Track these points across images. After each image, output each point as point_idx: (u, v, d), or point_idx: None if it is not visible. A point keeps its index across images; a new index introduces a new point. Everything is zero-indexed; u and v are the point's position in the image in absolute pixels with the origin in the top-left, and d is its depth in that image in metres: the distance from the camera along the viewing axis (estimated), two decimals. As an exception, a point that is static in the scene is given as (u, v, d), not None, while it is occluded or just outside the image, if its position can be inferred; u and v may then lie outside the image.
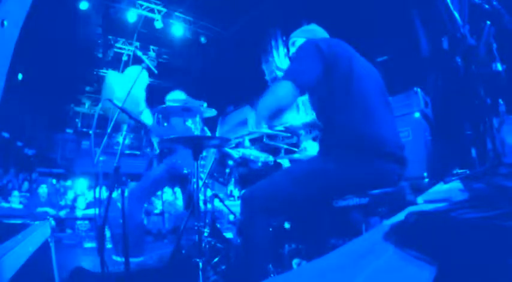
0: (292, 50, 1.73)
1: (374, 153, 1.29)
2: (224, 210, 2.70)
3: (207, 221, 2.43)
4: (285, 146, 2.47)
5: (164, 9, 7.52)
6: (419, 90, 3.55)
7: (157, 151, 2.94)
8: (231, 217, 2.53)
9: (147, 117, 2.74)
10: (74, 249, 4.00)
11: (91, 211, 5.54)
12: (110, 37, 8.13)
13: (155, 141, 2.91)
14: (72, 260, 2.95)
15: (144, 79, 2.64)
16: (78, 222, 5.54)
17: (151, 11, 7.49)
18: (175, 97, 2.95)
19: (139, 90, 2.68)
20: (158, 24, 7.57)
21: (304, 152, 2.08)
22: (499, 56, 1.41)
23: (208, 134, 2.90)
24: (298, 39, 1.71)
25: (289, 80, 1.33)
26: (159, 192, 3.65)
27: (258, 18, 7.13)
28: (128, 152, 10.34)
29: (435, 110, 3.72)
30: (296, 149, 2.35)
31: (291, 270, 1.43)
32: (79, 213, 5.71)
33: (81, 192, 7.38)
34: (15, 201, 5.57)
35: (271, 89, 1.36)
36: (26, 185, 7.02)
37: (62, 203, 6.39)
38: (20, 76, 7.74)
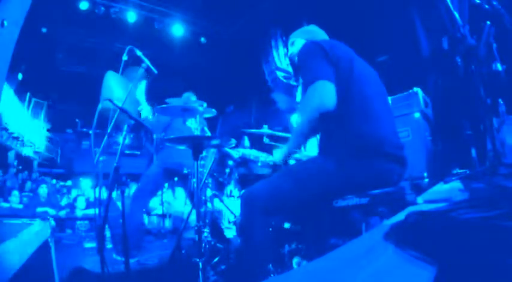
0: (292, 50, 1.72)
1: (374, 153, 1.29)
2: (224, 210, 2.70)
3: (207, 221, 2.42)
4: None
5: (164, 10, 7.52)
6: (419, 90, 3.54)
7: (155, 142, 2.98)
8: (231, 217, 2.53)
9: (147, 113, 2.78)
10: (74, 249, 3.99)
11: (91, 211, 5.54)
12: (110, 37, 8.14)
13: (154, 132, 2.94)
14: (72, 260, 2.95)
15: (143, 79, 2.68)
16: (78, 222, 5.54)
17: (151, 11, 7.49)
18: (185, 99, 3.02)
19: (139, 92, 2.72)
20: (158, 24, 7.58)
21: (304, 151, 2.08)
22: (499, 56, 1.41)
23: (208, 134, 2.91)
24: (297, 39, 1.71)
25: (323, 80, 1.30)
26: (159, 192, 3.67)
27: (258, 18, 7.13)
28: (128, 152, 10.34)
29: (435, 110, 3.72)
30: (296, 149, 2.35)
31: (291, 270, 1.43)
32: (79, 213, 5.70)
33: (81, 192, 7.38)
34: (15, 201, 5.57)
35: (311, 92, 1.31)
36: (28, 184, 7.02)
37: (63, 203, 6.38)
38: (20, 76, 7.74)
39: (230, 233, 2.44)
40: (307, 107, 1.33)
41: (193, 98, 3.07)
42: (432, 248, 0.70)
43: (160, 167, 2.86)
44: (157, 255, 3.13)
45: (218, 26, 8.03)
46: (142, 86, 2.76)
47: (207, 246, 2.19)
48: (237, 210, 2.37)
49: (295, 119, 1.79)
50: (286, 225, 1.65)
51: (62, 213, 5.63)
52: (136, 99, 2.77)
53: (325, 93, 1.29)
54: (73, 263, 2.60)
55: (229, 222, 2.61)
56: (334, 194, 1.33)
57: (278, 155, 1.52)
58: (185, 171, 2.75)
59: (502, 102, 1.89)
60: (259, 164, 1.80)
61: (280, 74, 7.54)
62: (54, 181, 9.00)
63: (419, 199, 1.14)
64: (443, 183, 1.16)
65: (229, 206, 2.57)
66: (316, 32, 1.72)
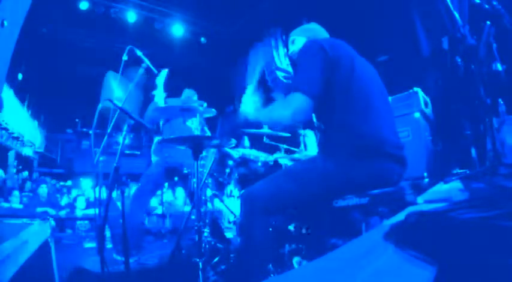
0: (292, 48, 1.71)
1: (374, 153, 1.29)
2: (224, 210, 2.70)
3: (207, 221, 2.42)
4: (285, 146, 2.47)
5: (164, 10, 7.51)
6: (419, 90, 3.54)
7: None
8: (231, 217, 2.53)
9: (160, 98, 2.83)
10: (74, 249, 3.99)
11: (91, 211, 5.54)
12: (110, 37, 8.13)
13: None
14: (72, 260, 2.95)
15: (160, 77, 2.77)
16: (78, 222, 5.54)
17: (151, 11, 7.48)
18: (186, 95, 3.06)
19: (159, 79, 2.80)
20: (158, 24, 7.59)
21: (304, 151, 2.08)
22: (499, 56, 1.41)
23: (208, 134, 2.91)
24: (297, 37, 1.69)
25: (305, 94, 1.31)
26: (159, 192, 3.67)
27: (258, 18, 7.13)
28: (128, 152, 10.33)
29: (435, 110, 3.72)
30: (296, 149, 2.35)
31: (291, 270, 1.43)
32: (79, 213, 5.70)
33: (81, 192, 7.38)
34: (15, 201, 5.57)
35: (289, 102, 1.34)
36: (28, 184, 7.02)
37: (63, 203, 6.38)
38: (20, 76, 7.74)
39: (230, 233, 2.44)
40: (279, 113, 1.39)
41: (195, 97, 3.09)
42: (432, 248, 0.70)
43: (161, 166, 2.87)
44: (157, 255, 3.13)
45: (218, 26, 8.03)
46: (164, 73, 2.86)
47: (207, 246, 2.19)
48: (237, 210, 2.37)
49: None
50: (286, 225, 1.65)
51: (62, 213, 5.63)
52: (136, 99, 2.77)
53: (300, 110, 1.32)
54: (73, 263, 2.60)
55: (229, 222, 2.61)
56: (334, 194, 1.33)
57: (248, 106, 1.60)
58: (185, 171, 2.75)
59: (502, 102, 1.89)
60: (259, 164, 1.80)
61: (280, 74, 7.52)
62: (54, 181, 9.00)
63: (419, 199, 1.13)
64: (443, 183, 1.16)
65: (229, 206, 2.57)
66: (317, 30, 1.70)
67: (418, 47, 4.18)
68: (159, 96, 2.86)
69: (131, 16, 7.27)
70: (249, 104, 1.62)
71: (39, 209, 5.47)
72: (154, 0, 7.32)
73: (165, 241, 4.90)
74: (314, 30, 1.70)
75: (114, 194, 2.52)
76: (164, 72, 2.84)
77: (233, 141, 1.82)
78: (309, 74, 1.35)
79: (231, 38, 8.16)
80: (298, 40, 1.68)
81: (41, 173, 9.29)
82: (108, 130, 2.06)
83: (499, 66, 1.39)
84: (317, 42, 1.44)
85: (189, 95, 3.15)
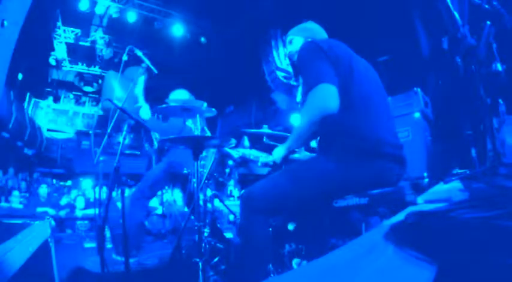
0: (290, 48, 1.70)
1: (373, 153, 1.29)
2: (224, 210, 2.69)
3: (207, 221, 2.42)
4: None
5: (164, 10, 7.52)
6: (419, 90, 3.55)
7: (156, 146, 2.94)
8: (231, 217, 2.53)
9: (146, 113, 2.75)
10: (74, 249, 3.98)
11: (91, 211, 5.54)
12: (110, 37, 8.14)
13: (154, 135, 2.90)
14: (72, 260, 2.95)
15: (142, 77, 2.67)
16: (78, 222, 5.53)
17: (151, 11, 7.49)
18: (178, 96, 2.95)
19: (138, 88, 2.71)
20: (158, 24, 7.59)
21: (304, 152, 2.08)
22: (499, 56, 1.41)
23: (208, 134, 2.90)
24: (295, 37, 1.68)
25: (326, 82, 1.29)
26: (159, 192, 3.65)
27: (258, 18, 7.14)
28: (128, 152, 10.34)
29: (435, 110, 3.73)
30: (296, 149, 2.34)
31: (291, 270, 1.43)
32: (79, 213, 5.70)
33: (81, 192, 7.38)
34: (15, 201, 5.58)
35: (314, 95, 1.30)
36: (23, 184, 7.03)
37: (63, 203, 6.38)
38: (20, 76, 7.75)
39: (230, 233, 2.44)
40: (310, 110, 1.31)
41: (187, 95, 3.01)
42: (432, 248, 0.70)
43: (166, 171, 2.83)
44: (157, 255, 3.13)
45: (218, 26, 8.04)
46: (141, 81, 2.74)
47: (207, 246, 2.19)
48: (237, 210, 2.36)
49: (295, 119, 1.77)
50: (286, 225, 1.65)
51: (62, 213, 5.63)
52: (135, 98, 2.76)
53: (328, 96, 1.28)
54: (73, 263, 2.60)
55: (229, 222, 2.60)
56: (333, 194, 1.33)
57: (277, 154, 1.52)
58: (185, 171, 2.74)
59: (502, 102, 1.89)
60: (259, 164, 1.80)
61: (280, 74, 7.54)
62: (54, 181, 9.00)
63: (419, 199, 1.13)
64: (443, 183, 1.16)
65: (229, 206, 2.56)
66: (314, 30, 1.70)
67: (418, 47, 4.18)
68: (145, 108, 2.78)
69: (131, 16, 7.28)
70: None
71: (39, 209, 5.48)
72: (154, 0, 7.33)
73: (165, 241, 4.89)
74: (312, 30, 1.69)
75: (114, 194, 2.52)
76: (141, 79, 2.74)
77: (233, 141, 1.82)
78: (318, 69, 1.35)
79: (231, 38, 8.16)
80: (295, 40, 1.68)
81: (41, 173, 9.29)
82: (108, 130, 2.06)
83: (499, 66, 1.39)
84: (315, 42, 1.45)
85: (182, 95, 3.02)
